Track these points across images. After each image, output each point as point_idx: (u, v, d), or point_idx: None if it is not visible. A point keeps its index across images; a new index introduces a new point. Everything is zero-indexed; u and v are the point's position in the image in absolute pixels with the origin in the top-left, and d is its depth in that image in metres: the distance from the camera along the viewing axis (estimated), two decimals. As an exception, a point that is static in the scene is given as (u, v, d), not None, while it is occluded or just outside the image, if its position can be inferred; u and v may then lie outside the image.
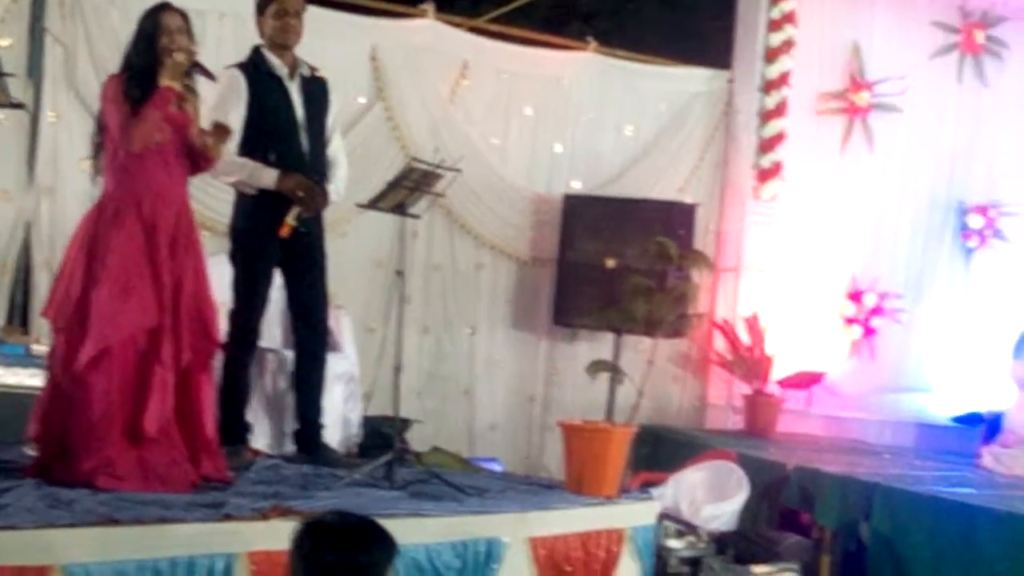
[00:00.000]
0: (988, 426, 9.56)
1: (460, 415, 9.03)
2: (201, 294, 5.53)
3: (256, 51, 6.29)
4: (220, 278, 6.04)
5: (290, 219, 6.03)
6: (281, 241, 6.07)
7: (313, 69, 6.39)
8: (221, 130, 5.62)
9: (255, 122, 6.10)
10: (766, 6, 9.85)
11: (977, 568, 6.61)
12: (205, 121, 5.62)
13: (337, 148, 6.44)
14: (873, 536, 7.22)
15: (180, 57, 5.43)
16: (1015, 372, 9.31)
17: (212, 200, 7.08)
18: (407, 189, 5.95)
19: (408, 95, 8.75)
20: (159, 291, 5.35)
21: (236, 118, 6.03)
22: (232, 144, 5.94)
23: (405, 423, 7.24)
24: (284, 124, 6.19)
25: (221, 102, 6.10)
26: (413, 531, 5.06)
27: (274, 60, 6.24)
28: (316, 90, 6.34)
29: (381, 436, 6.67)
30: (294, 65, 6.29)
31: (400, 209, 6.04)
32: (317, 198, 6.13)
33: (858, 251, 10.31)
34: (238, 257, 6.25)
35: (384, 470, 5.91)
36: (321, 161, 6.29)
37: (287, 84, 6.25)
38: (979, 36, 10.53)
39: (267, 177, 6.08)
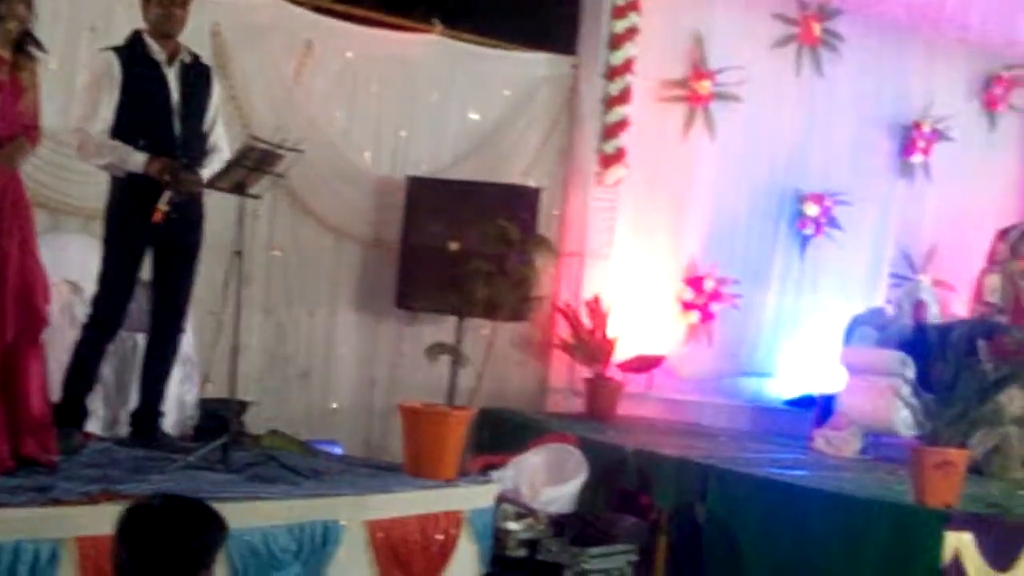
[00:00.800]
0: (820, 409, 9.82)
1: (301, 398, 8.94)
2: (28, 269, 5.37)
3: (136, 35, 6.19)
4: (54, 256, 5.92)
5: (161, 204, 5.92)
6: (154, 226, 5.94)
7: (196, 56, 6.28)
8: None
9: (128, 106, 6.00)
10: (610, -7, 9.94)
11: (808, 547, 6.77)
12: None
13: (219, 136, 6.33)
14: (708, 517, 7.35)
15: (11, 25, 5.31)
16: (845, 357, 9.57)
17: (59, 181, 6.92)
18: (247, 169, 5.88)
19: (250, 74, 8.61)
20: None
21: (107, 101, 5.96)
22: (102, 126, 5.92)
23: (242, 405, 7.15)
24: (158, 110, 6.08)
25: (92, 84, 6.06)
26: (248, 515, 5.00)
27: (153, 46, 6.14)
28: (196, 77, 6.25)
29: (217, 419, 6.57)
30: (175, 52, 6.19)
31: (240, 189, 5.96)
32: (185, 182, 6.01)
33: (698, 237, 10.48)
34: (108, 240, 6.15)
35: (220, 453, 5.83)
36: (195, 147, 6.18)
37: (165, 70, 6.14)
38: (816, 28, 10.78)
39: (135, 161, 5.97)
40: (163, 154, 6.00)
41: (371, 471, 6.30)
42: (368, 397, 9.24)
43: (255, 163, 5.87)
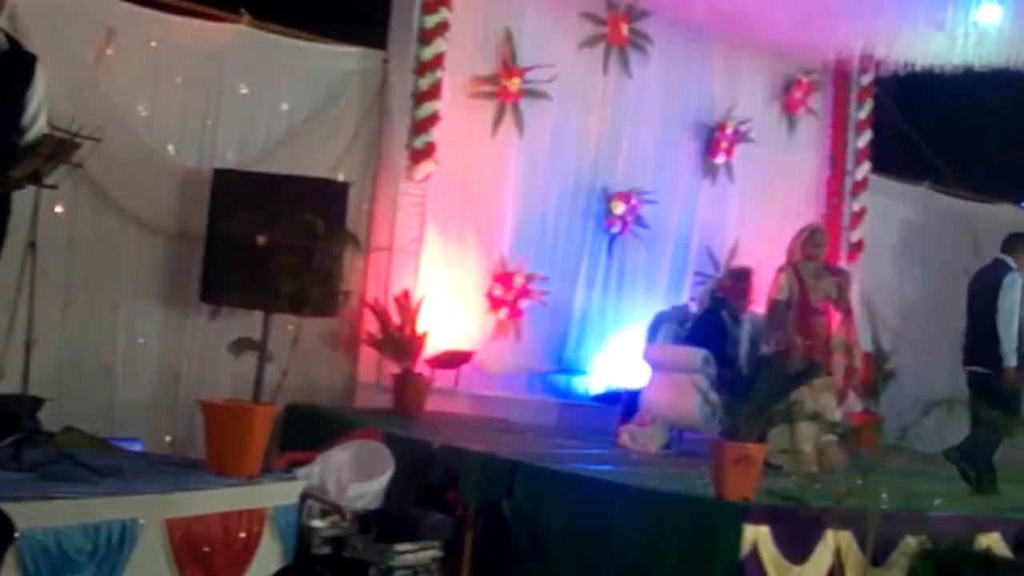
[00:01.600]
0: (625, 405, 9.97)
1: (101, 394, 8.69)
2: None
3: None
4: None
5: None
6: None
7: (15, 43, 5.98)
8: None
9: None
10: (421, -12, 9.91)
11: (613, 541, 6.84)
12: None
13: (42, 129, 6.02)
14: (514, 513, 7.37)
15: None
16: (649, 354, 9.73)
17: None
18: (42, 158, 5.68)
19: (49, 60, 8.30)
20: None
21: None
22: None
23: (37, 402, 6.91)
24: None
25: None
26: (40, 515, 4.85)
27: None
28: (14, 67, 5.96)
29: (10, 416, 6.34)
30: None
31: (35, 179, 5.75)
32: None
33: (507, 234, 10.54)
34: None
35: (12, 451, 5.63)
36: (8, 142, 5.86)
37: None
38: (624, 29, 10.95)
39: None
40: None
41: (172, 468, 6.16)
42: (172, 393, 9.03)
43: (50, 152, 5.67)
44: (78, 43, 8.57)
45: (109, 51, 8.68)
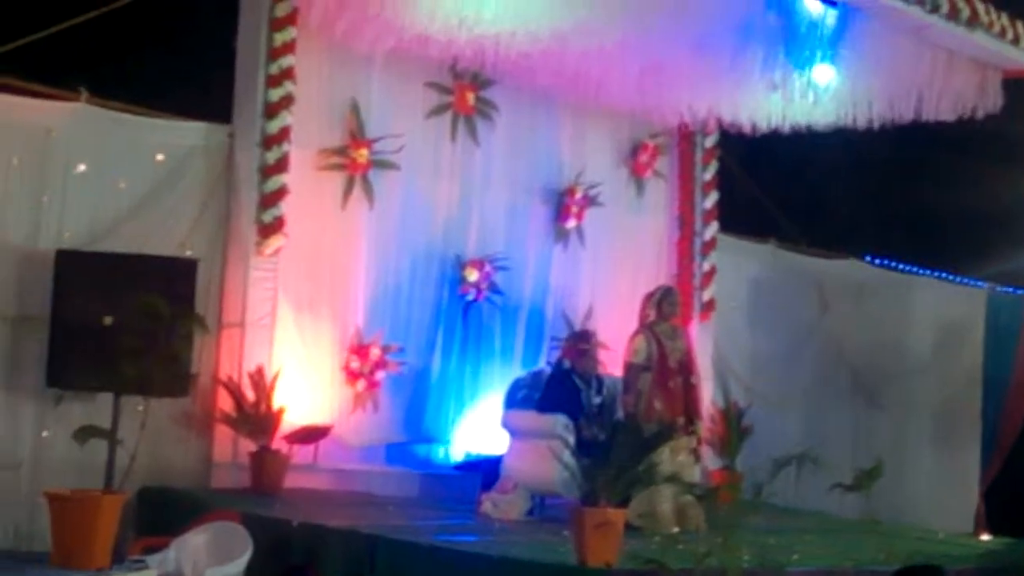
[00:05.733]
0: (486, 473, 9.92)
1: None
2: None
3: None
4: None
5: None
6: None
7: None
8: None
9: None
10: (264, 61, 9.79)
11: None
12: None
13: None
14: (378, 588, 7.27)
15: None
16: (507, 420, 9.72)
17: None
18: None
19: None
20: None
21: None
22: None
23: None
24: None
25: None
26: None
27: None
28: None
29: None
30: None
31: None
32: None
33: (361, 305, 10.46)
34: None
35: None
36: None
37: None
38: (470, 97, 11.00)
39: None
40: None
41: (13, 563, 5.94)
42: (14, 483, 8.72)
43: None
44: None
45: (-59, 133, 8.48)
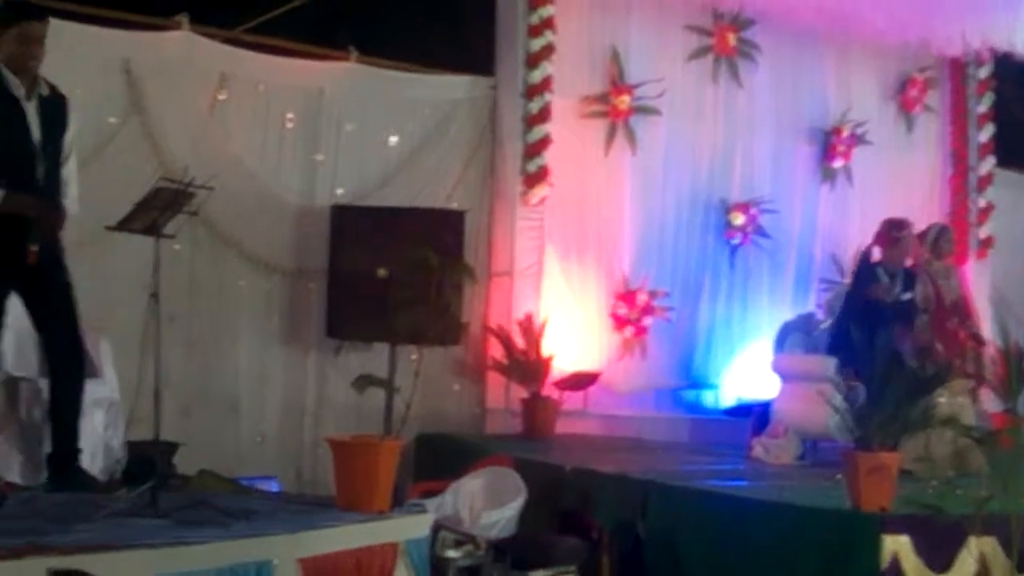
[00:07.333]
0: (757, 417, 9.81)
1: (230, 433, 8.86)
2: None
3: None
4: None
5: (32, 244, 5.80)
6: (24, 268, 5.81)
7: (52, 87, 6.13)
8: None
9: None
10: (524, 12, 9.92)
11: (751, 558, 6.72)
12: None
13: (71, 170, 6.16)
14: (650, 533, 7.28)
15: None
16: (777, 364, 9.59)
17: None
18: (158, 209, 5.78)
19: (165, 110, 8.54)
20: None
21: None
22: None
23: (171, 447, 7.05)
24: (19, 147, 5.92)
25: None
26: (175, 560, 4.89)
27: (11, 79, 5.96)
28: (54, 110, 6.08)
29: (146, 462, 6.46)
30: (32, 85, 6.02)
31: (152, 230, 5.86)
32: (49, 217, 5.89)
33: (627, 252, 10.49)
34: None
35: (148, 497, 5.71)
36: (56, 184, 6.03)
37: (24, 105, 5.98)
38: (731, 39, 10.84)
39: None
40: (26, 192, 5.85)
41: (303, 507, 6.19)
42: (298, 430, 9.15)
43: (166, 203, 5.78)
44: (192, 91, 8.76)
45: (221, 97, 8.84)
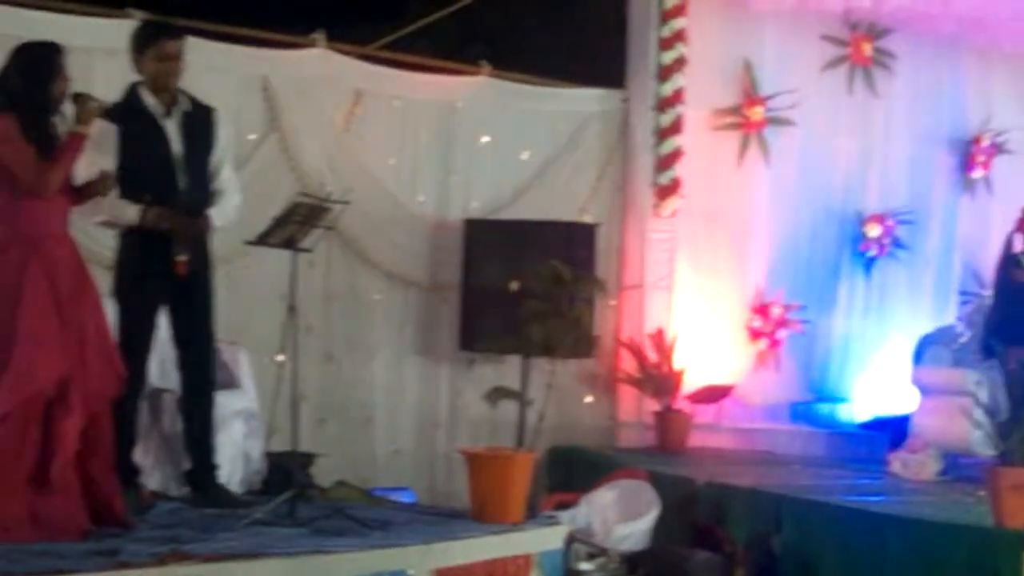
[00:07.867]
0: (894, 432, 9.67)
1: (365, 445, 8.97)
2: (102, 332, 5.45)
3: (132, 90, 6.19)
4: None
5: (180, 255, 5.95)
6: (174, 279, 5.97)
7: (196, 102, 6.28)
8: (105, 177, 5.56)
9: (129, 163, 5.94)
10: (656, 25, 9.90)
11: (887, 574, 6.64)
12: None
13: (226, 179, 6.33)
14: (784, 548, 7.23)
15: (94, 104, 5.41)
16: (916, 377, 9.43)
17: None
18: (296, 224, 5.89)
19: (302, 126, 8.69)
20: (66, 337, 5.26)
21: (99, 161, 5.78)
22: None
23: (308, 457, 7.17)
24: (159, 163, 6.08)
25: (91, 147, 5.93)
26: (315, 569, 4.99)
27: (150, 99, 6.14)
28: (198, 124, 6.23)
29: (284, 472, 6.58)
30: (172, 102, 6.18)
31: (290, 244, 5.97)
32: (189, 229, 6.03)
33: (760, 263, 10.38)
34: (122, 295, 6.14)
35: (287, 508, 5.82)
36: (201, 196, 6.19)
37: (162, 122, 6.14)
38: (867, 48, 10.67)
39: (129, 213, 5.99)
40: (169, 206, 6.00)
41: (437, 518, 6.26)
42: (432, 441, 9.24)
43: (303, 218, 5.89)
44: (328, 107, 8.90)
45: (357, 112, 8.98)
